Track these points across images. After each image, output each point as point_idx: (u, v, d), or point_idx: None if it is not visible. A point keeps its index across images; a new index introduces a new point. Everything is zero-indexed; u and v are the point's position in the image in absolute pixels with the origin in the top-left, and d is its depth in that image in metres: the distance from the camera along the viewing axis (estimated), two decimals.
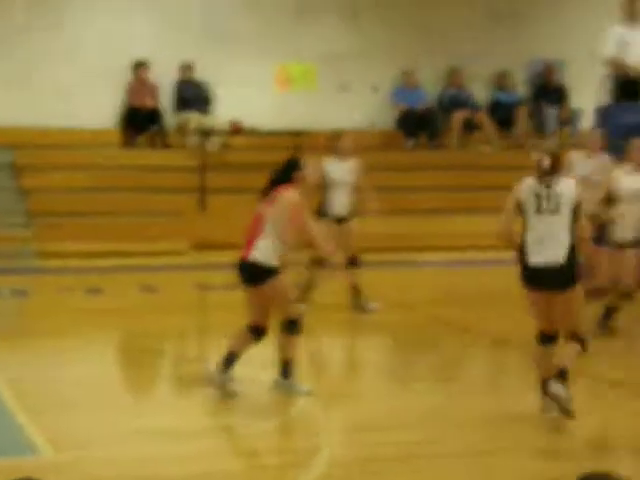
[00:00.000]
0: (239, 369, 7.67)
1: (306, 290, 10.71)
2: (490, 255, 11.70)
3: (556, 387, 6.85)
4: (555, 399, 6.87)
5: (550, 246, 6.93)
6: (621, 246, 9.73)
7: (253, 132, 16.22)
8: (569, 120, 17.67)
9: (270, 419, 7.27)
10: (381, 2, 17.65)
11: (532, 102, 17.77)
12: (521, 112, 17.56)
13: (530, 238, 7.02)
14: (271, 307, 7.55)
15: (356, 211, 10.99)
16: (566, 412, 6.86)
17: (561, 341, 7.16)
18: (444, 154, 17.03)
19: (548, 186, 7.00)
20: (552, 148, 7.14)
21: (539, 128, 17.52)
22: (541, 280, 6.99)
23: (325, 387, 8.09)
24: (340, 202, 10.84)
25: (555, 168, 7.04)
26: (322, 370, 9.10)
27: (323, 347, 9.84)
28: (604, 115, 13.36)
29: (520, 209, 7.08)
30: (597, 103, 13.76)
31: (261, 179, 7.80)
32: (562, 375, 6.87)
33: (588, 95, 15.30)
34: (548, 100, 17.67)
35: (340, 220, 10.83)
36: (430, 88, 17.65)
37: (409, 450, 6.51)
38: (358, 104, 17.44)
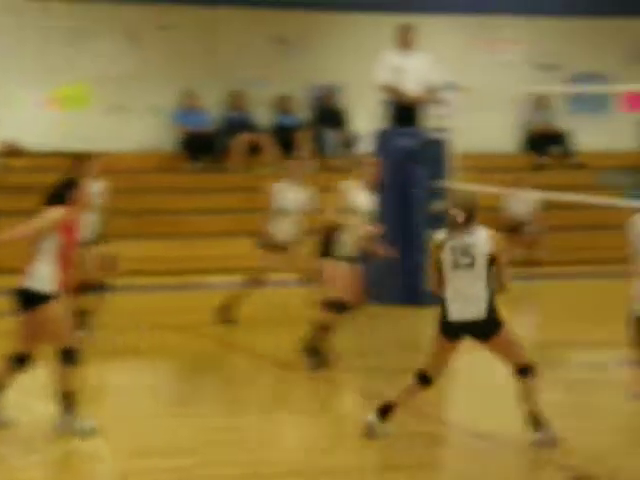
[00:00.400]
0: (15, 397, 7.46)
1: (84, 315, 10.53)
2: (274, 277, 11.83)
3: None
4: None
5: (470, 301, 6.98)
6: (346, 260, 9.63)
7: (30, 153, 15.88)
8: (349, 143, 18.10)
9: (47, 449, 7.09)
10: (164, 25, 17.64)
11: (313, 125, 18.11)
12: (302, 135, 17.86)
13: (449, 293, 7.07)
14: (42, 335, 7.28)
15: (102, 235, 10.90)
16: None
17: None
18: (227, 177, 17.12)
19: (463, 240, 6.96)
20: (466, 202, 7.01)
21: (320, 151, 17.87)
22: (462, 334, 7.06)
23: (106, 413, 7.97)
24: (88, 225, 10.48)
25: (470, 221, 6.97)
26: (102, 396, 8.96)
27: (105, 371, 9.70)
28: (382, 139, 13.74)
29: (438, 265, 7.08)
30: (375, 127, 14.14)
31: (40, 201, 7.63)
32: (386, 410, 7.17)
33: (366, 119, 15.71)
34: (328, 124, 18.04)
35: (90, 244, 10.65)
36: (214, 111, 17.74)
37: (189, 475, 6.50)
38: (137, 125, 17.35)
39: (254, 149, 17.51)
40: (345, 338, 10.71)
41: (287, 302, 12.30)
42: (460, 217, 6.92)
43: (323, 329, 9.51)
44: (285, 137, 17.72)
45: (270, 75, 18.05)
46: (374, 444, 7.23)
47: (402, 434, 7.42)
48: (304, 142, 17.83)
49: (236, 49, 18.02)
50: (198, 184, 16.76)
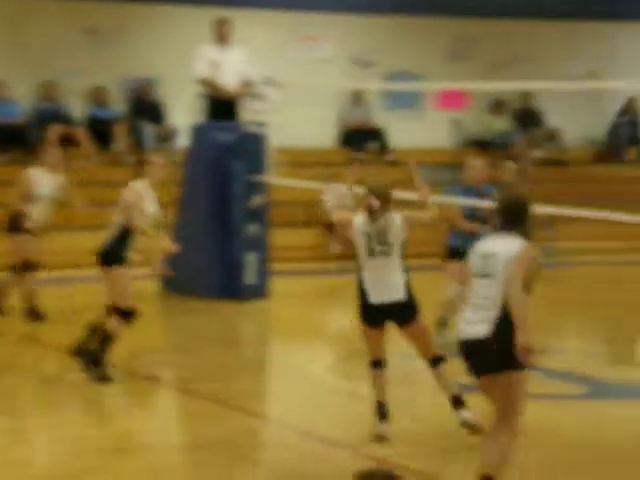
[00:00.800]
0: None
1: None
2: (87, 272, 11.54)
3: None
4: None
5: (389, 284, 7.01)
6: None
7: None
8: (167, 137, 17.87)
9: None
10: None
11: (130, 119, 17.81)
12: (119, 129, 17.54)
13: (367, 278, 7.09)
14: None
15: None
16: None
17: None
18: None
19: (378, 226, 6.98)
20: (381, 188, 7.03)
21: (138, 145, 17.59)
22: (384, 317, 7.07)
23: None
24: None
25: (385, 208, 6.99)
26: None
27: None
28: (199, 133, 13.61)
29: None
30: (192, 121, 14.00)
31: None
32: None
33: (184, 113, 15.55)
34: (146, 117, 17.77)
35: None
36: (25, 102, 17.24)
37: None
38: None
39: (68, 142, 17.07)
40: (161, 333, 10.59)
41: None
42: (375, 204, 6.95)
43: (108, 337, 8.77)
44: (100, 130, 17.36)
45: (84, 67, 17.65)
46: (184, 443, 7.13)
47: (220, 429, 7.35)
48: (120, 135, 17.52)
49: (48, 40, 17.54)
50: (6, 176, 16.23)
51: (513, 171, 8.93)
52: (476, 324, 5.67)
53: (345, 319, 13.66)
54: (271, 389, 9.38)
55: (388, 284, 7.04)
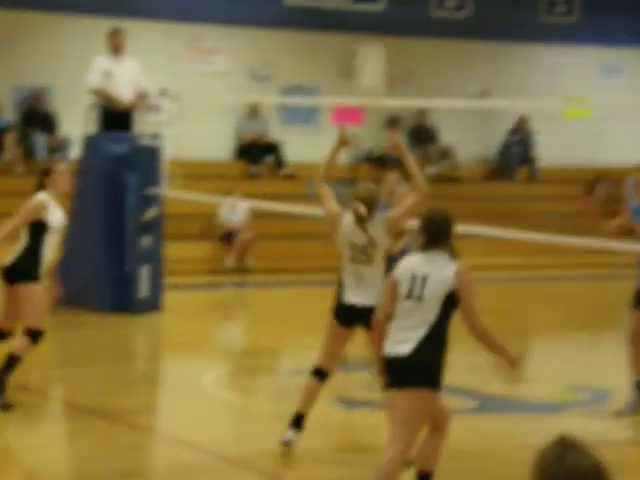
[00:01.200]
0: None
1: None
2: None
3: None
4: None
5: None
6: None
7: None
8: (60, 147, 17.61)
9: None
10: None
11: (21, 128, 17.51)
12: (9, 138, 17.23)
13: (347, 280, 7.02)
14: None
15: None
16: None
17: None
18: None
19: (365, 238, 6.87)
20: (367, 194, 6.91)
21: (28, 155, 17.30)
22: (353, 318, 6.96)
23: None
24: None
25: (371, 213, 6.86)
26: None
27: None
28: (92, 144, 13.44)
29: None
30: (85, 132, 13.83)
31: None
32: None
33: (77, 123, 15.34)
34: (37, 127, 17.49)
35: None
36: None
37: None
38: None
39: None
40: (51, 347, 10.40)
41: None
42: (362, 210, 6.84)
43: (15, 360, 8.19)
44: None
45: None
46: (77, 455, 7.01)
47: (109, 444, 7.25)
48: (10, 145, 17.20)
49: None
50: None
51: (394, 182, 8.92)
52: (403, 343, 5.65)
53: (238, 333, 13.66)
54: (162, 404, 9.28)
55: (365, 289, 6.97)
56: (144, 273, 12.78)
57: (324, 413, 7.71)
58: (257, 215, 17.05)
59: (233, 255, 16.83)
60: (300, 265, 16.91)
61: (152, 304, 12.76)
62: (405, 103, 17.74)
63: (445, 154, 20.49)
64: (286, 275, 16.64)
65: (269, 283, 16.33)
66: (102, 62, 13.72)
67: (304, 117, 19.88)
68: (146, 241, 12.88)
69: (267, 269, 16.79)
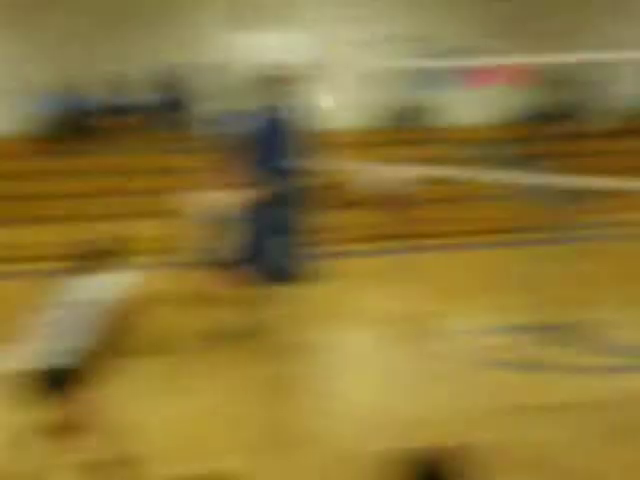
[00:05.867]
0: None
1: None
2: None
3: None
4: None
5: None
6: None
7: None
8: (212, 122, 17.81)
9: None
10: None
11: (167, 106, 17.83)
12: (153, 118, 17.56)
13: None
14: None
15: None
16: None
17: None
18: None
19: None
20: None
21: (182, 130, 17.57)
22: None
23: None
24: None
25: None
26: None
27: None
28: (261, 116, 13.45)
29: None
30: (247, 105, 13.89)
31: None
32: None
33: (224, 98, 15.36)
34: (183, 104, 17.81)
35: None
36: None
37: None
38: None
39: None
40: None
41: None
42: None
43: None
44: None
45: None
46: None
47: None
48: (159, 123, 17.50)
49: None
50: None
51: None
52: (60, 355, 5.85)
53: (420, 299, 13.46)
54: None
55: None
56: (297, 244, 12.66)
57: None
58: (422, 181, 16.92)
59: (398, 220, 16.72)
60: (461, 229, 16.75)
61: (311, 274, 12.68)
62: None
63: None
64: (448, 239, 16.49)
65: (430, 247, 16.18)
66: (265, 37, 13.76)
67: (450, 81, 19.63)
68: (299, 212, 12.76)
69: (429, 233, 16.69)
